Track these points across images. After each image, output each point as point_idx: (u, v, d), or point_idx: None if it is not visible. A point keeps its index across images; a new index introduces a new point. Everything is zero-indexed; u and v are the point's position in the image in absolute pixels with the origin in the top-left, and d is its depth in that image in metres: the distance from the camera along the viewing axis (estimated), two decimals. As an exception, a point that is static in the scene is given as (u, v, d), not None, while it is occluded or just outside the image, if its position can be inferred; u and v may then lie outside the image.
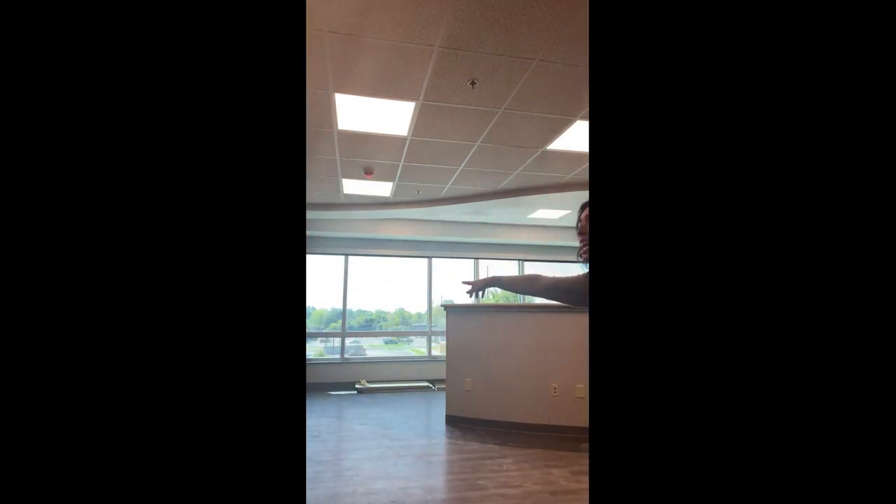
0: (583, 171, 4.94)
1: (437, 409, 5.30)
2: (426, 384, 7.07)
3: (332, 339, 7.60)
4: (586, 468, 3.50)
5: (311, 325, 7.64)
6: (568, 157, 4.45)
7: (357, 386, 6.80)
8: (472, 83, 3.08)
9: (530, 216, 6.88)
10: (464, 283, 1.12)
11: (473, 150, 4.28)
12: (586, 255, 1.15)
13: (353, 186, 5.49)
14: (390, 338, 8.26)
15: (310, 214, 6.72)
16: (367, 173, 4.93)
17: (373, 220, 6.95)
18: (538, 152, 4.34)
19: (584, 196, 5.60)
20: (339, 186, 5.49)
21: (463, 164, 4.69)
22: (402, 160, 4.58)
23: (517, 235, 7.67)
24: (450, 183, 5.31)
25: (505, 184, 5.33)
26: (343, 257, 7.60)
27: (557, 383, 4.30)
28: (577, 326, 4.24)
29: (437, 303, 7.89)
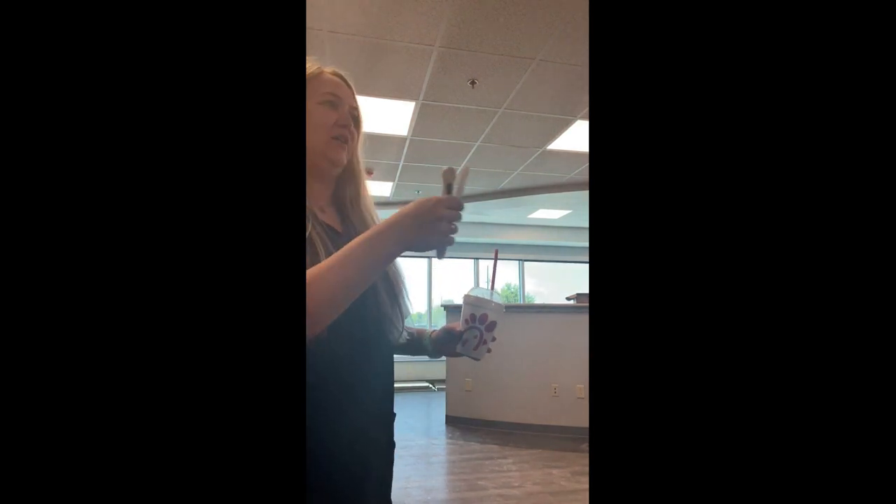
0: (583, 171, 4.93)
1: (437, 409, 5.29)
2: (426, 384, 7.07)
3: (332, 339, 7.57)
4: (586, 468, 3.49)
5: (311, 326, 7.61)
6: (568, 157, 4.45)
7: (357, 386, 6.77)
8: (472, 83, 3.08)
9: (530, 216, 6.88)
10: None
11: (473, 150, 4.28)
12: None
13: (353, 186, 5.48)
14: (390, 338, 8.24)
15: (310, 214, 6.71)
16: (368, 173, 4.93)
17: (373, 220, 6.93)
18: (538, 152, 4.34)
19: (584, 196, 5.61)
20: (339, 186, 5.48)
21: (463, 164, 4.69)
22: (402, 160, 4.57)
23: (517, 235, 7.66)
24: (450, 183, 5.31)
25: (505, 184, 5.33)
26: (343, 257, 7.59)
27: (558, 383, 4.30)
28: (578, 326, 4.23)
29: (437, 303, 7.88)
